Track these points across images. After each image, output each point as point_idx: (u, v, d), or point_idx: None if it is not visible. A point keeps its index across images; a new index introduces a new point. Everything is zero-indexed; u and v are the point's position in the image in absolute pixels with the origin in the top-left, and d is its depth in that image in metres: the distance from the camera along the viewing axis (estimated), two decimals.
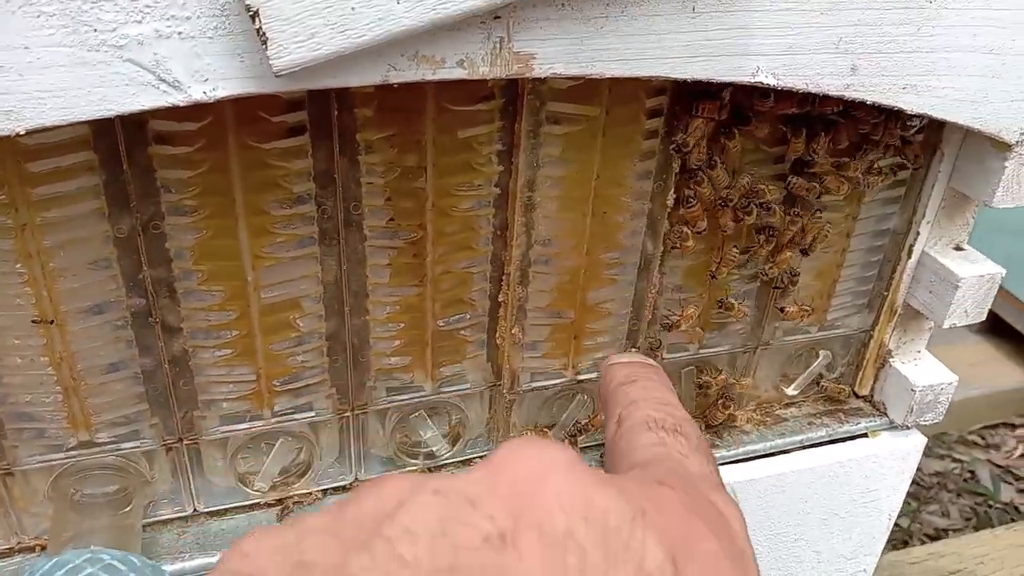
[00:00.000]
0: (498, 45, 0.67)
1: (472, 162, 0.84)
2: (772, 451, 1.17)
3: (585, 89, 0.82)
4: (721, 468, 1.10)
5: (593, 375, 1.02)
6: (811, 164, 0.96)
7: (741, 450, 1.15)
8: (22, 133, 0.60)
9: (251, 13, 0.58)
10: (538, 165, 0.85)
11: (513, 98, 0.81)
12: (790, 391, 1.21)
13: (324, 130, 0.77)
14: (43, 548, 0.88)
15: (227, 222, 0.78)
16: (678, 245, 0.95)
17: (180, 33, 0.60)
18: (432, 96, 0.78)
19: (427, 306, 0.91)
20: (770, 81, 0.80)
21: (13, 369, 0.78)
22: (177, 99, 0.62)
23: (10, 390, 0.79)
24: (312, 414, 0.93)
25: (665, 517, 0.36)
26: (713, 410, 1.13)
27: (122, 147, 0.71)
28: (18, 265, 0.73)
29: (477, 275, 0.91)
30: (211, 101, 0.63)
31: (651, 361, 0.80)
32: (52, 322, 0.75)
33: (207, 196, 0.76)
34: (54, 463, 0.84)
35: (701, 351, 1.09)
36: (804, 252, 1.03)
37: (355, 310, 0.88)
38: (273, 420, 0.91)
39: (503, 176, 0.86)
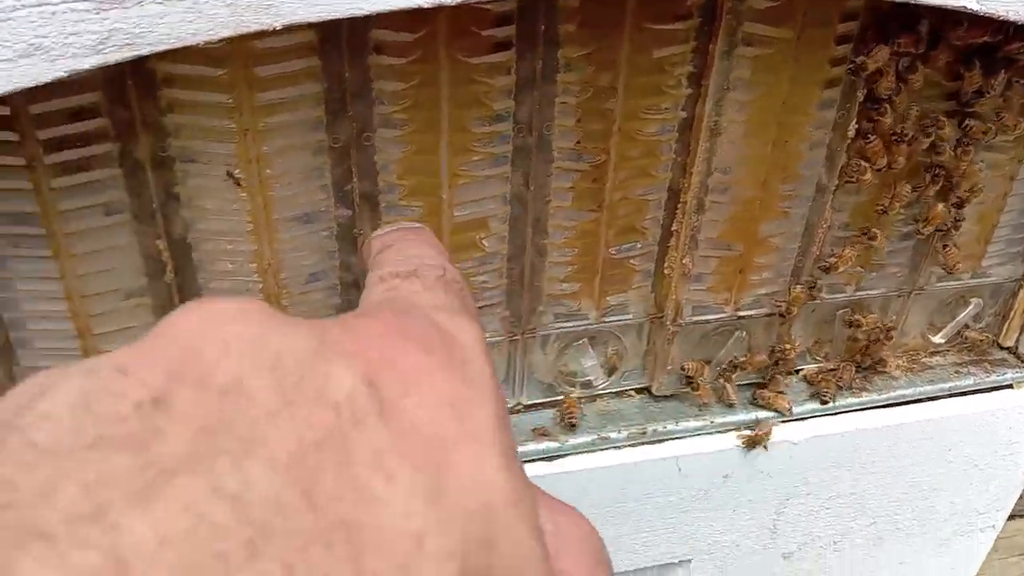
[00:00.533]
0: None
1: (663, 84, 0.84)
2: (920, 397, 1.17)
3: (782, 10, 0.82)
4: (872, 412, 1.10)
5: (754, 311, 1.03)
6: (980, 102, 0.94)
7: (891, 395, 1.15)
8: (278, 28, 0.63)
9: None
10: (728, 88, 0.85)
11: (711, 18, 0.81)
12: (937, 339, 1.21)
13: (529, 45, 0.78)
14: None
15: (431, 137, 0.80)
16: (854, 179, 0.94)
17: None
18: (632, 13, 0.79)
19: (601, 232, 0.93)
20: (974, 6, 0.79)
21: (222, 274, 0.82)
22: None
23: (217, 295, 0.83)
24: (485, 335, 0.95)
25: (359, 343, 0.31)
26: (864, 351, 1.12)
27: (345, 55, 0.73)
28: (237, 170, 0.76)
29: (652, 203, 0.93)
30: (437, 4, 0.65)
31: (416, 225, 0.62)
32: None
33: (416, 110, 0.78)
34: None
35: (857, 292, 1.09)
36: (958, 204, 1.02)
37: (536, 233, 0.90)
38: None
39: (690, 100, 0.86)
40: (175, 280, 0.80)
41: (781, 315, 1.02)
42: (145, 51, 0.61)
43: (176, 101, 0.71)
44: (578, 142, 0.86)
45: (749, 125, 0.89)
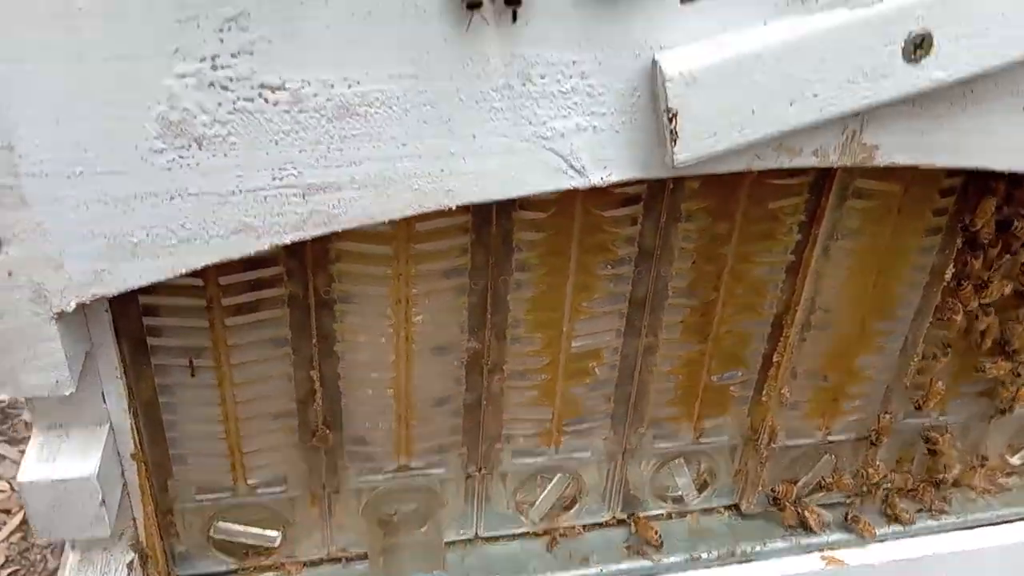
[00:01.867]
0: (850, 138, 0.77)
1: (775, 231, 0.93)
2: (998, 520, 1.22)
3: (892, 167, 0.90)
4: (950, 535, 1.15)
5: (844, 436, 1.10)
6: None
7: (969, 517, 1.20)
8: (453, 208, 0.72)
9: (670, 115, 0.68)
10: (836, 237, 0.94)
11: (824, 173, 0.90)
12: (1015, 460, 1.26)
13: (656, 199, 0.87)
14: (348, 559, 1.01)
15: (559, 279, 0.89)
16: (946, 318, 1.02)
17: (595, 127, 0.71)
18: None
19: (705, 361, 1.01)
20: None
21: (363, 400, 0.91)
22: (578, 182, 0.73)
23: (355, 417, 0.92)
24: (587, 454, 1.03)
25: None
26: (940, 471, 1.18)
27: (494, 213, 0.83)
28: (388, 309, 0.86)
29: (756, 335, 1.00)
30: (604, 185, 0.74)
31: None
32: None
33: (549, 255, 0.87)
34: (374, 484, 0.97)
35: (940, 418, 1.15)
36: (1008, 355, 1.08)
37: (645, 363, 0.98)
38: (556, 457, 1.02)
39: (800, 246, 0.94)
40: (322, 405, 0.89)
41: (872, 443, 1.09)
42: (338, 228, 0.70)
43: (343, 252, 0.81)
44: (691, 282, 0.94)
45: (852, 269, 0.97)
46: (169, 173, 0.65)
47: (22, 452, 2.05)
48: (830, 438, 1.10)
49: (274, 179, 0.67)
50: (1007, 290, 1.00)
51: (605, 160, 0.73)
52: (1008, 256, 0.99)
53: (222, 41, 0.61)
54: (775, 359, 1.02)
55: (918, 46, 0.69)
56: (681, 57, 0.67)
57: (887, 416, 1.09)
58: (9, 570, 1.79)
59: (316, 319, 0.84)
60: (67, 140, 0.63)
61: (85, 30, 0.59)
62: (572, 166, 0.73)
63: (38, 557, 1.82)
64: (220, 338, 0.82)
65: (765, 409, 1.06)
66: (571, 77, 0.68)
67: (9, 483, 1.98)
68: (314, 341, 0.85)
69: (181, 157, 0.65)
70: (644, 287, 0.93)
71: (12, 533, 1.88)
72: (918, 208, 0.94)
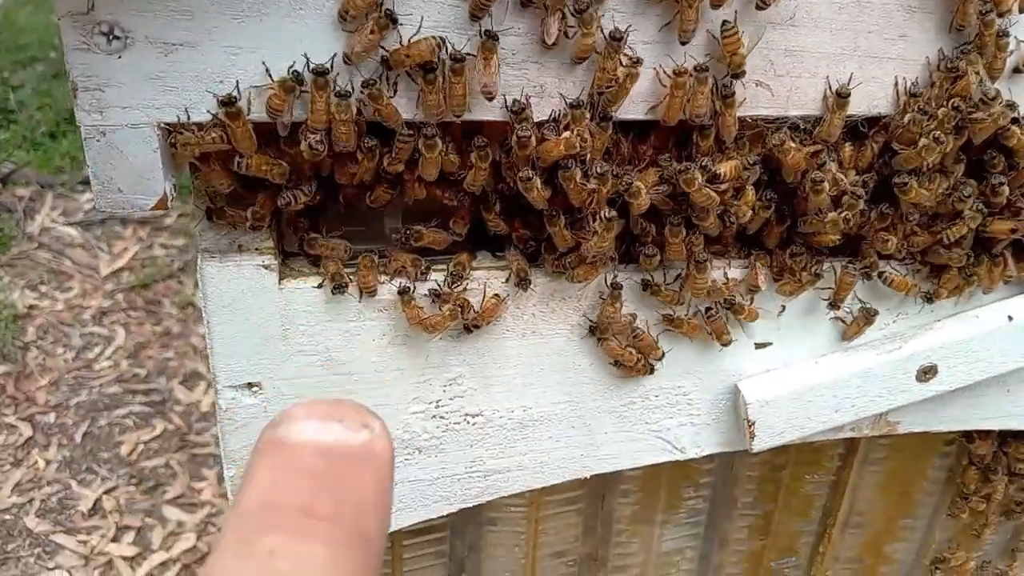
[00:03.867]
0: (879, 418, 1.07)
1: (821, 460, 1.24)
2: None
3: None
4: None
5: None
6: None
7: None
8: (588, 476, 1.03)
9: (749, 423, 0.99)
10: (867, 462, 1.24)
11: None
12: None
13: (730, 464, 1.18)
14: None
15: (652, 499, 1.20)
16: (954, 515, 1.32)
17: (693, 423, 1.02)
18: None
19: (766, 553, 1.31)
20: None
21: None
22: (678, 456, 1.05)
23: None
24: None
25: None
26: None
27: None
28: (522, 528, 1.17)
29: (806, 532, 1.31)
30: (696, 457, 1.05)
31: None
32: None
33: (645, 482, 1.18)
34: None
35: None
36: None
37: (719, 555, 1.29)
38: None
39: (839, 469, 1.25)
40: None
41: None
42: (504, 494, 1.02)
43: (493, 505, 1.12)
44: (755, 498, 1.25)
45: (880, 483, 1.27)
46: (398, 470, 0.97)
47: (80, 542, 2.30)
48: None
49: (466, 469, 0.99)
50: (1011, 489, 1.31)
51: (699, 442, 1.04)
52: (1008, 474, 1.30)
53: (444, 391, 0.94)
54: (821, 548, 1.32)
55: (926, 372, 1.00)
56: (756, 386, 0.98)
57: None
58: None
59: (469, 538, 1.15)
60: None
61: (357, 391, 0.91)
62: (675, 447, 1.04)
63: None
64: (397, 555, 1.14)
65: None
66: (676, 395, 1.00)
67: (69, 572, 2.18)
68: (464, 554, 1.16)
69: (407, 459, 0.97)
70: (718, 503, 1.24)
71: None
72: (932, 442, 1.25)
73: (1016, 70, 0.86)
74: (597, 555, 1.23)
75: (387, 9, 0.70)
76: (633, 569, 1.26)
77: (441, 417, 0.95)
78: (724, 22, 0.76)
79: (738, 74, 0.78)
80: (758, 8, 0.77)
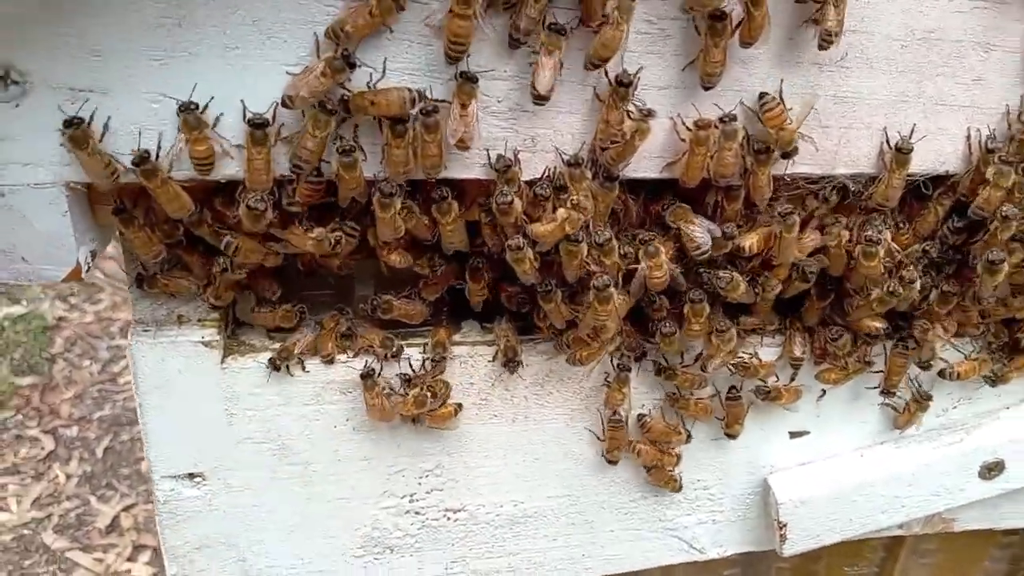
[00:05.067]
0: (932, 515, 0.93)
1: (862, 551, 1.09)
2: None
3: None
4: None
5: None
6: None
7: None
8: None
9: (780, 525, 0.85)
10: (916, 553, 1.09)
11: None
12: None
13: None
14: None
15: None
16: None
17: (714, 520, 0.88)
18: None
19: None
20: None
21: None
22: (697, 557, 0.91)
23: None
24: None
25: None
26: None
27: None
28: None
29: None
30: (717, 558, 0.91)
31: None
32: None
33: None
34: None
35: None
36: None
37: None
38: None
39: (884, 561, 1.10)
40: None
41: None
42: None
43: None
44: None
45: (931, 575, 1.12)
46: (364, 570, 0.84)
47: (97, 560, 2.22)
48: None
49: (446, 570, 0.86)
50: None
51: (721, 541, 0.90)
52: None
53: (419, 484, 0.80)
54: None
55: (991, 469, 0.85)
56: (790, 482, 0.84)
57: None
58: None
59: None
60: (289, 553, 0.82)
61: (316, 483, 0.78)
62: (693, 547, 0.90)
63: None
64: None
65: None
66: (696, 489, 0.86)
67: None
68: None
69: (375, 559, 0.83)
70: None
71: None
72: (990, 534, 1.10)
73: None
74: None
75: (344, 50, 0.57)
76: None
77: (416, 512, 0.82)
78: (761, 95, 0.62)
79: (789, 153, 0.65)
80: (821, 48, 0.62)
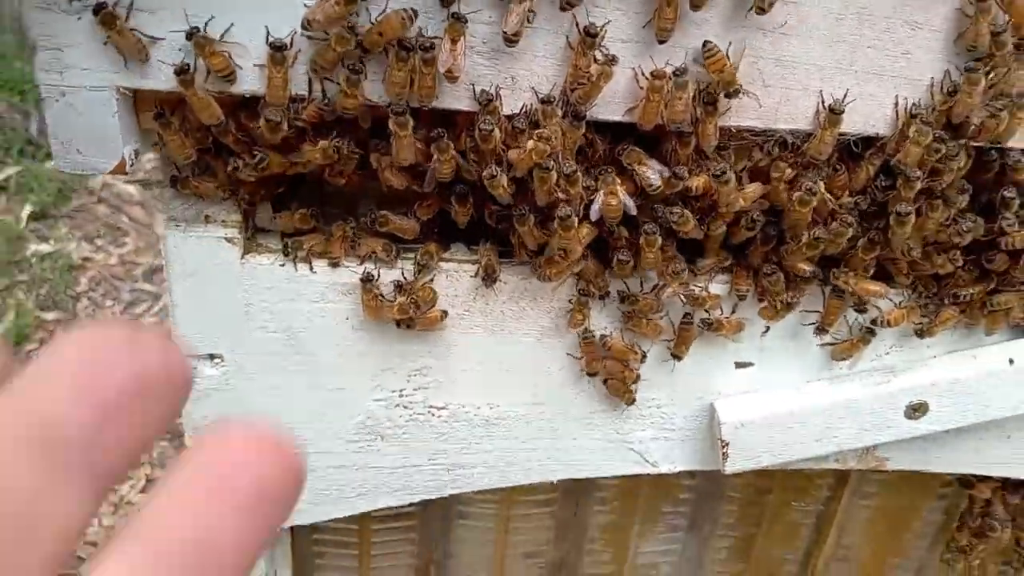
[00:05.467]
0: (866, 451, 1.03)
1: (809, 488, 1.20)
2: None
3: None
4: None
5: None
6: None
7: None
8: (554, 481, 1.01)
9: (723, 444, 0.96)
10: (858, 495, 1.20)
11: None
12: None
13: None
14: None
15: (630, 509, 1.18)
16: (949, 564, 1.26)
17: (666, 437, 0.99)
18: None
19: None
20: None
21: None
22: (650, 470, 1.02)
23: None
24: None
25: None
26: None
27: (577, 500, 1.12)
28: (493, 525, 1.15)
29: (789, 562, 1.27)
30: (669, 472, 1.02)
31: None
32: None
33: (623, 494, 1.16)
34: None
35: None
36: None
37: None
38: None
39: (828, 500, 1.21)
40: None
41: None
42: (469, 490, 1.00)
43: (464, 499, 1.11)
44: (737, 519, 1.21)
45: (871, 519, 1.22)
46: (358, 454, 0.96)
47: (111, 490, 2.39)
48: None
49: (429, 460, 0.98)
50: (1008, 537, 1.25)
51: (672, 458, 1.01)
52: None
53: (408, 381, 0.92)
54: None
55: (916, 410, 0.96)
56: (733, 407, 0.95)
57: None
58: None
59: (439, 532, 1.14)
60: (293, 433, 0.94)
61: (318, 373, 0.90)
62: (647, 460, 1.01)
63: None
64: (366, 541, 1.13)
65: None
66: (650, 407, 0.97)
67: (98, 518, 2.15)
68: (435, 543, 1.15)
69: (369, 444, 0.96)
70: (698, 521, 1.21)
71: None
72: (929, 481, 1.20)
73: None
74: (567, 561, 1.21)
75: None
76: None
77: (405, 407, 0.94)
78: (705, 43, 0.72)
79: (731, 93, 0.75)
80: (758, 13, 0.73)
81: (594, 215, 0.79)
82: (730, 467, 0.97)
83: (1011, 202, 0.86)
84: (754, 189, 0.82)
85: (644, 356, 0.92)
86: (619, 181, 0.78)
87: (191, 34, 0.69)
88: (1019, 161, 0.85)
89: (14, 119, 3.73)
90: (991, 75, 0.77)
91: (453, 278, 0.88)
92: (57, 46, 0.69)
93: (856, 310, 0.91)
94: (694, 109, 0.76)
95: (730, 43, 0.74)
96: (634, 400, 0.94)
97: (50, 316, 2.89)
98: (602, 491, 1.16)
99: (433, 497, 1.00)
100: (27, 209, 3.31)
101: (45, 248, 3.19)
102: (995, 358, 0.96)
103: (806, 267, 0.85)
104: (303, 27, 0.70)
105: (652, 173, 0.78)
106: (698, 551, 1.24)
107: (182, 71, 0.69)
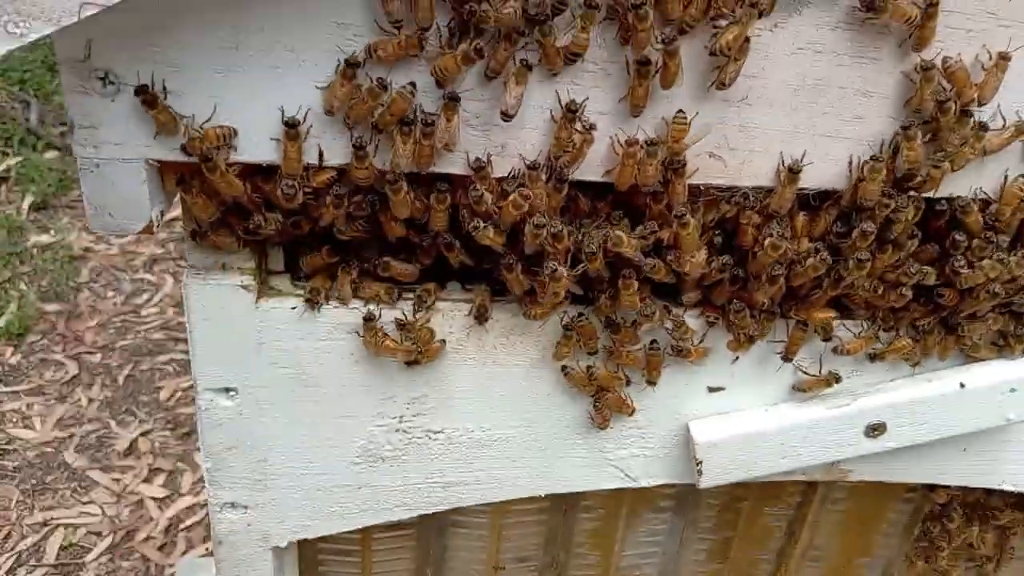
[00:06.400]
0: (832, 465, 1.13)
1: (781, 495, 1.30)
2: None
3: None
4: None
5: None
6: None
7: None
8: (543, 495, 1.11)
9: (697, 462, 1.06)
10: (827, 501, 1.30)
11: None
12: None
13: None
14: None
15: (614, 516, 1.28)
16: (913, 562, 1.37)
17: (645, 454, 1.09)
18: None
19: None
20: (1009, 488, 1.21)
21: None
22: (631, 484, 1.12)
23: None
24: None
25: None
26: None
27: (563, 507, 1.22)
28: (487, 533, 1.25)
29: (763, 561, 1.37)
30: (648, 486, 1.12)
31: None
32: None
33: (607, 500, 1.26)
34: None
35: None
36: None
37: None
38: None
39: (800, 504, 1.31)
40: None
41: None
42: (462, 505, 1.10)
43: (459, 510, 1.21)
44: (715, 524, 1.32)
45: (840, 522, 1.33)
46: (360, 475, 1.06)
47: (115, 479, 2.44)
48: None
49: (426, 479, 1.07)
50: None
51: (652, 473, 1.11)
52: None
53: (407, 408, 1.02)
54: None
55: (875, 430, 1.06)
56: (706, 428, 1.05)
57: None
58: None
59: (436, 538, 1.24)
60: (301, 457, 1.04)
61: (324, 403, 1.00)
62: (628, 475, 1.11)
63: None
64: (367, 547, 1.23)
65: None
66: (630, 427, 1.07)
67: (101, 508, 2.34)
68: (431, 552, 1.25)
69: (370, 467, 1.05)
70: (678, 525, 1.31)
71: (101, 554, 2.22)
72: (894, 487, 1.30)
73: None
74: (557, 563, 1.31)
75: (380, 78, 0.77)
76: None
77: (404, 431, 1.03)
78: (678, 111, 0.82)
79: (674, 163, 0.84)
80: (719, 88, 0.82)
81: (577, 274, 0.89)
82: (704, 483, 1.07)
83: (960, 244, 0.95)
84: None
85: (628, 380, 1.02)
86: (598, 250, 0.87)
87: (139, 90, 0.76)
88: (967, 206, 0.94)
89: (14, 109, 3.77)
90: (934, 137, 0.86)
91: (448, 316, 0.98)
92: (92, 124, 0.78)
93: (822, 340, 1.00)
94: (662, 171, 0.85)
95: (696, 112, 0.83)
96: (634, 411, 1.03)
97: (51, 308, 2.95)
98: (587, 499, 1.26)
99: (429, 512, 1.10)
100: (28, 200, 3.36)
101: (46, 239, 3.24)
102: (947, 382, 1.06)
103: (765, 300, 0.95)
104: (327, 113, 0.79)
105: (637, 253, 0.88)
106: (678, 553, 1.34)
107: (206, 159, 0.77)
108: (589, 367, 1.00)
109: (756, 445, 1.06)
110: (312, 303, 0.93)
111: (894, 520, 1.35)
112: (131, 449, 2.50)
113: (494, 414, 1.04)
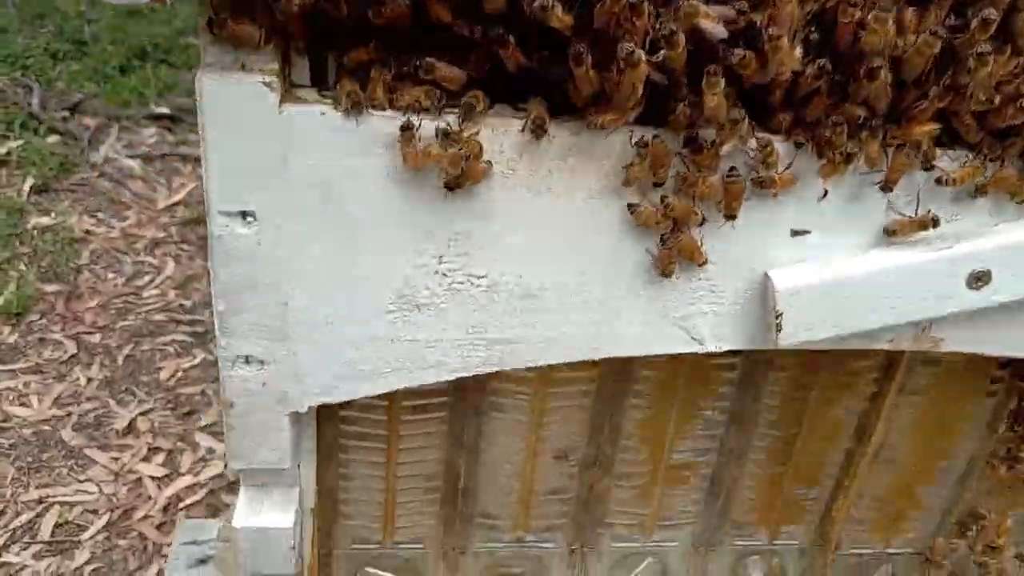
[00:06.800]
0: (922, 331, 1.01)
1: (854, 384, 1.18)
2: None
3: None
4: None
5: (903, 550, 1.34)
6: None
7: None
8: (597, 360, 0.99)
9: (777, 315, 0.94)
10: (905, 391, 1.18)
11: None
12: None
13: (754, 351, 1.13)
14: None
15: (667, 405, 1.16)
16: (994, 466, 1.25)
17: (715, 311, 0.97)
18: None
19: (785, 481, 1.26)
20: None
21: (495, 483, 1.19)
22: (698, 349, 1.00)
23: (487, 496, 1.20)
24: (675, 544, 1.30)
25: None
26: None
27: (611, 379, 1.10)
28: (525, 418, 1.14)
29: (830, 462, 1.25)
30: (717, 351, 1.00)
31: None
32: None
33: (660, 388, 1.14)
34: (494, 549, 1.25)
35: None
36: None
37: (733, 476, 1.24)
38: (648, 544, 1.29)
39: (874, 396, 1.19)
40: (464, 484, 1.17)
41: (927, 559, 1.33)
42: (506, 368, 0.99)
43: (498, 389, 1.09)
44: (778, 417, 1.20)
45: (918, 418, 1.21)
46: (393, 326, 0.94)
47: (113, 458, 2.36)
48: (889, 550, 1.34)
49: (467, 333, 0.95)
50: None
51: (720, 335, 0.99)
52: None
53: (448, 247, 0.90)
54: (845, 483, 1.27)
55: (979, 279, 0.93)
56: (788, 275, 0.93)
57: (941, 539, 1.33)
58: (93, 566, 2.06)
59: (474, 423, 1.13)
60: (327, 302, 0.92)
61: (356, 234, 0.88)
62: (694, 338, 0.99)
63: (120, 557, 2.10)
64: (394, 431, 1.11)
65: (834, 522, 1.30)
66: (700, 280, 0.95)
67: (99, 486, 2.27)
68: (465, 438, 1.13)
69: (404, 316, 0.93)
70: (737, 419, 1.19)
71: (98, 532, 2.16)
72: (978, 377, 1.18)
73: None
74: (601, 459, 1.19)
75: None
76: (637, 479, 1.22)
77: (444, 274, 0.92)
78: None
79: None
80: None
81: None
82: (783, 340, 0.95)
83: None
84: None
85: (704, 219, 0.90)
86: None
87: None
88: None
89: (16, 93, 3.75)
90: None
91: (498, 132, 0.86)
92: None
93: (924, 168, 0.88)
94: None
95: None
96: (706, 260, 0.91)
97: (51, 288, 2.90)
98: (639, 384, 1.14)
99: (469, 374, 0.98)
100: (29, 182, 3.34)
101: (46, 221, 3.20)
102: None
103: (863, 113, 0.83)
104: None
105: (716, 25, 0.75)
106: (736, 451, 1.22)
107: None
108: (664, 197, 0.88)
109: (844, 295, 0.94)
110: (355, 105, 0.81)
111: (976, 416, 1.23)
112: (130, 428, 2.44)
113: (546, 256, 0.92)
